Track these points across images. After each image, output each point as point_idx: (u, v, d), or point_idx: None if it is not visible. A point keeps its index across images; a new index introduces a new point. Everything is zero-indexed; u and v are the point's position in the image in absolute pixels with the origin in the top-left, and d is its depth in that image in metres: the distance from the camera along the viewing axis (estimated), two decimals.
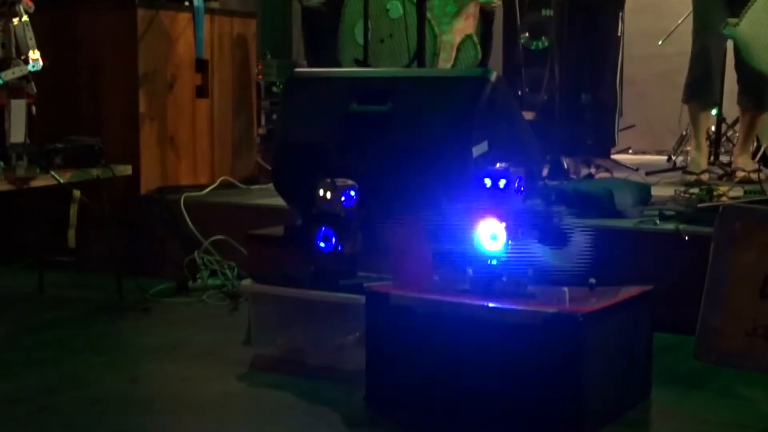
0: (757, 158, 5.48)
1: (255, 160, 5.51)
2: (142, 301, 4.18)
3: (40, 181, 4.01)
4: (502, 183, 2.86)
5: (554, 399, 2.64)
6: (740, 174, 5.17)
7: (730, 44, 5.20)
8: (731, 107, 6.21)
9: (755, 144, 5.57)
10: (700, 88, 5.27)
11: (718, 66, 5.28)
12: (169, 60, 4.94)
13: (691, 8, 5.55)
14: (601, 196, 3.92)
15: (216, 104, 5.22)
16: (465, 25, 5.40)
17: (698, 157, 5.36)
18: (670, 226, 3.70)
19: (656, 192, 4.35)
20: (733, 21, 4.48)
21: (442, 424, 2.76)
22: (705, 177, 5.25)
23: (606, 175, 5.44)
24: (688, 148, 6.10)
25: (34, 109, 4.02)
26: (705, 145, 5.51)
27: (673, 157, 6.37)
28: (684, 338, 3.24)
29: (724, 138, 6.38)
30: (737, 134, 6.30)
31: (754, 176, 5.09)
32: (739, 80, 5.30)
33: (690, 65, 5.27)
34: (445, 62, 5.35)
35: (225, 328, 3.79)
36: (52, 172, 4.01)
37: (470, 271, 2.90)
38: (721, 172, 5.52)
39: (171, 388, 3.10)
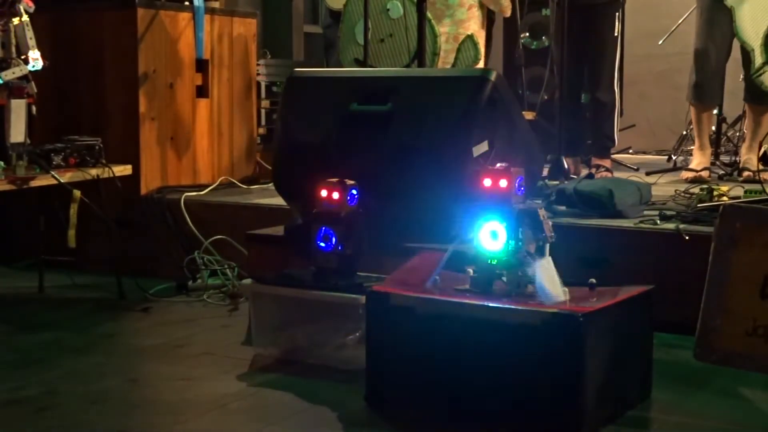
0: (759, 156, 5.48)
1: (255, 160, 5.51)
2: (142, 301, 4.18)
3: (40, 181, 4.01)
4: (502, 183, 2.86)
5: (554, 399, 2.64)
6: (746, 174, 5.16)
7: (735, 44, 5.20)
8: (731, 107, 6.21)
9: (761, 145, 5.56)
10: (706, 90, 5.27)
11: (720, 66, 5.28)
12: (169, 60, 4.94)
13: (690, 8, 5.55)
14: (602, 195, 3.91)
15: (216, 104, 5.22)
16: (468, 16, 5.40)
17: (701, 156, 5.36)
18: (670, 226, 3.70)
19: (656, 192, 4.34)
20: None
21: (442, 424, 2.76)
22: (705, 174, 5.24)
23: (606, 174, 5.44)
24: (690, 148, 6.10)
25: (34, 109, 4.03)
26: (708, 145, 5.51)
27: (673, 157, 6.37)
28: (684, 338, 3.24)
29: (724, 138, 6.37)
30: (738, 133, 6.31)
31: (759, 176, 5.09)
32: (745, 77, 5.30)
33: (694, 66, 5.27)
34: (449, 54, 5.34)
35: (225, 328, 3.80)
36: (52, 172, 4.01)
37: (470, 270, 2.90)
38: (722, 171, 5.52)
39: (171, 388, 3.10)
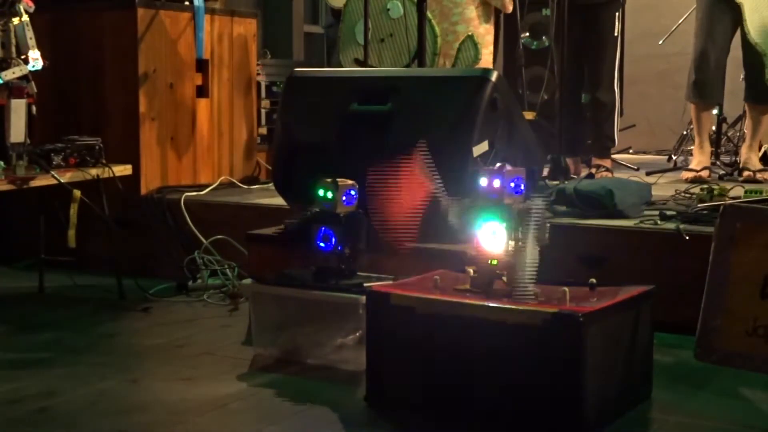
0: (759, 156, 5.48)
1: (255, 160, 5.51)
2: (142, 301, 4.18)
3: (40, 181, 4.01)
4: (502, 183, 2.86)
5: (554, 399, 2.64)
6: (746, 173, 5.17)
7: (735, 43, 5.21)
8: (731, 107, 6.21)
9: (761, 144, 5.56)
10: (706, 87, 5.27)
11: (720, 65, 5.28)
12: (169, 60, 4.94)
13: (690, 8, 5.55)
14: (602, 195, 3.91)
15: (216, 104, 5.22)
16: (476, 14, 5.39)
17: (701, 155, 5.37)
18: (670, 225, 3.70)
19: (656, 192, 4.34)
20: None
21: (442, 424, 2.76)
22: (705, 174, 5.25)
23: (606, 174, 5.44)
24: (690, 148, 6.10)
25: (34, 109, 4.03)
26: (708, 144, 5.51)
27: (674, 157, 6.37)
28: (684, 338, 3.24)
29: (724, 138, 6.38)
30: (738, 133, 6.31)
31: (759, 176, 5.10)
32: (746, 77, 5.30)
33: (693, 65, 5.27)
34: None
35: (225, 328, 3.79)
36: (52, 172, 4.00)
37: (470, 270, 2.90)
38: (722, 171, 5.52)
39: (171, 388, 3.10)
